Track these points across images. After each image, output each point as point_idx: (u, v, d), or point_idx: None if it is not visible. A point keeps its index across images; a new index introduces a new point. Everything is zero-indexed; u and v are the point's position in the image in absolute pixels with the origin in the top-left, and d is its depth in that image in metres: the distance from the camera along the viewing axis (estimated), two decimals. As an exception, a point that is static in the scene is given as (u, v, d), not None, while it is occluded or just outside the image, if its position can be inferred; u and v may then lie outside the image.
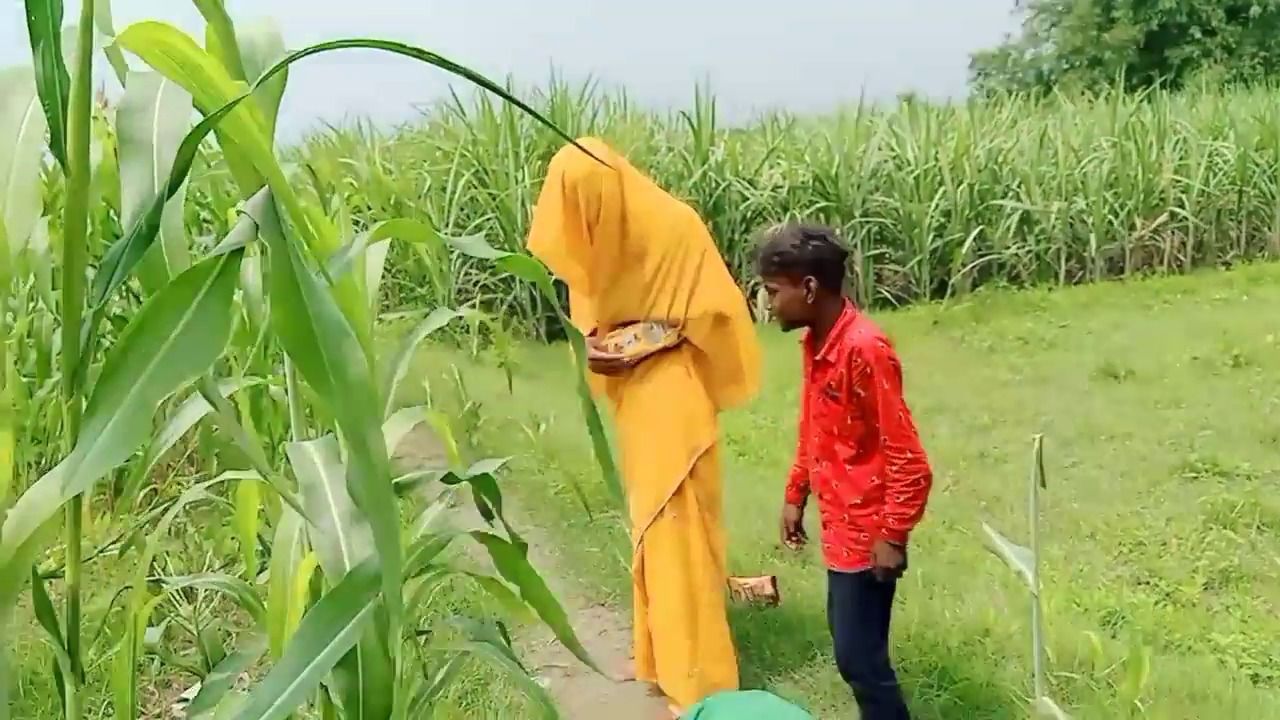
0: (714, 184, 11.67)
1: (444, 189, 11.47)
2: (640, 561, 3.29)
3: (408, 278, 11.37)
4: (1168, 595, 4.08)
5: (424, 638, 2.10)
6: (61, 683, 1.24)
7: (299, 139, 16.02)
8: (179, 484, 4.66)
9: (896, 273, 12.09)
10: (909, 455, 2.53)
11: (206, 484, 2.21)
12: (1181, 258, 12.67)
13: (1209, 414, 6.60)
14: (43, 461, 4.40)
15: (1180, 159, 13.10)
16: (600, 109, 13.00)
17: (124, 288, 4.72)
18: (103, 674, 3.06)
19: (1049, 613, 3.12)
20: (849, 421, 2.61)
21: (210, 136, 1.19)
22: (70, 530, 1.15)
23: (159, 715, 3.28)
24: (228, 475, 2.02)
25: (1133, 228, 12.47)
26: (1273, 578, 4.21)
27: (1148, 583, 4.27)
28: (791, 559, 4.30)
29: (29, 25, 1.04)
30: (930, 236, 11.83)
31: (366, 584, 1.06)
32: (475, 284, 11.02)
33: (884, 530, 2.57)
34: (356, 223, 10.47)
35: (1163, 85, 16.44)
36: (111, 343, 4.22)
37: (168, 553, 3.92)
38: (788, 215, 11.64)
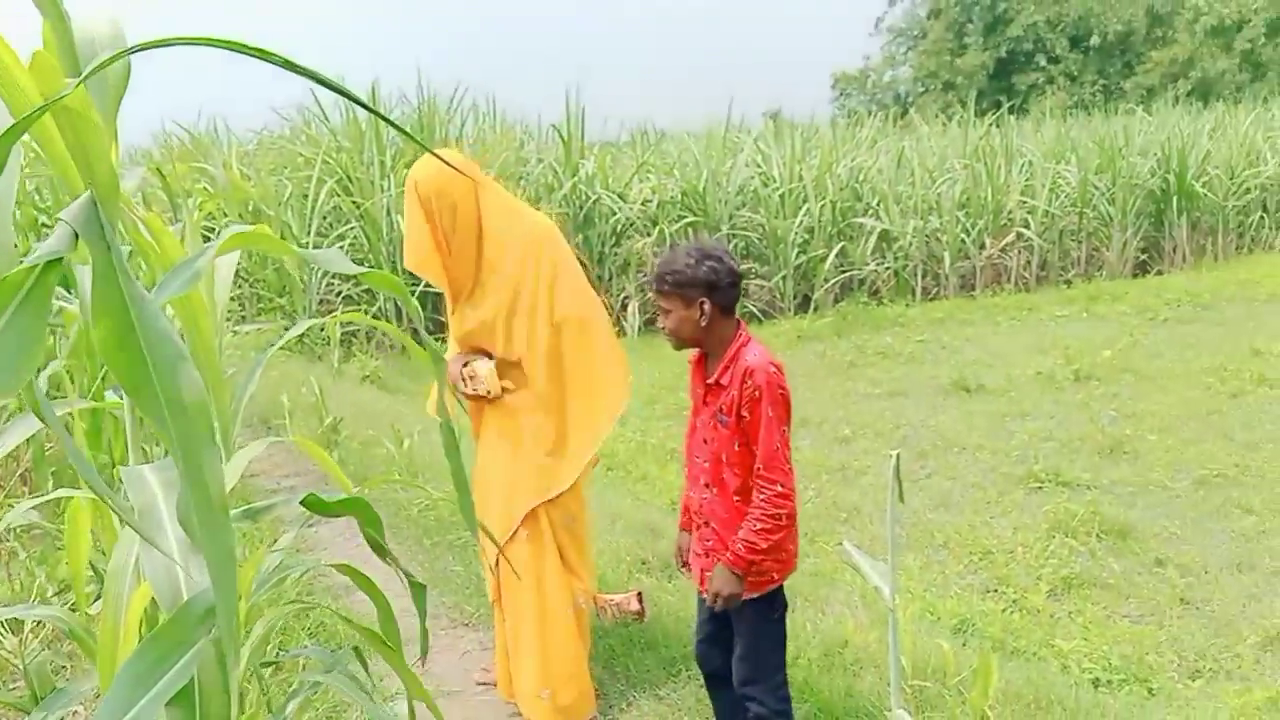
0: (584, 197, 11.68)
1: (306, 196, 11.15)
2: (498, 581, 3.24)
3: (267, 288, 10.99)
4: (1014, 603, 4.26)
5: (269, 669, 2.00)
6: None
7: (149, 140, 15.34)
8: (10, 505, 4.36)
9: (762, 288, 12.33)
10: (779, 488, 2.47)
11: (33, 503, 2.07)
12: (1027, 275, 13.31)
13: (1052, 426, 6.93)
14: None
15: (1026, 181, 13.79)
16: (469, 118, 12.88)
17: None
18: (-83, 714, 2.82)
19: (904, 622, 3.21)
20: (735, 448, 2.53)
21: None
22: None
23: (-18, 756, 3.05)
24: (57, 494, 1.89)
25: (983, 246, 13.05)
26: (1111, 584, 4.44)
27: (996, 591, 4.44)
28: (658, 574, 4.31)
29: None
30: (794, 252, 12.11)
31: (201, 617, 0.99)
32: (338, 294, 10.73)
33: (728, 555, 2.49)
34: (211, 231, 10.07)
35: (1010, 110, 17.29)
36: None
37: (-6, 580, 3.66)
38: (656, 229, 11.74)
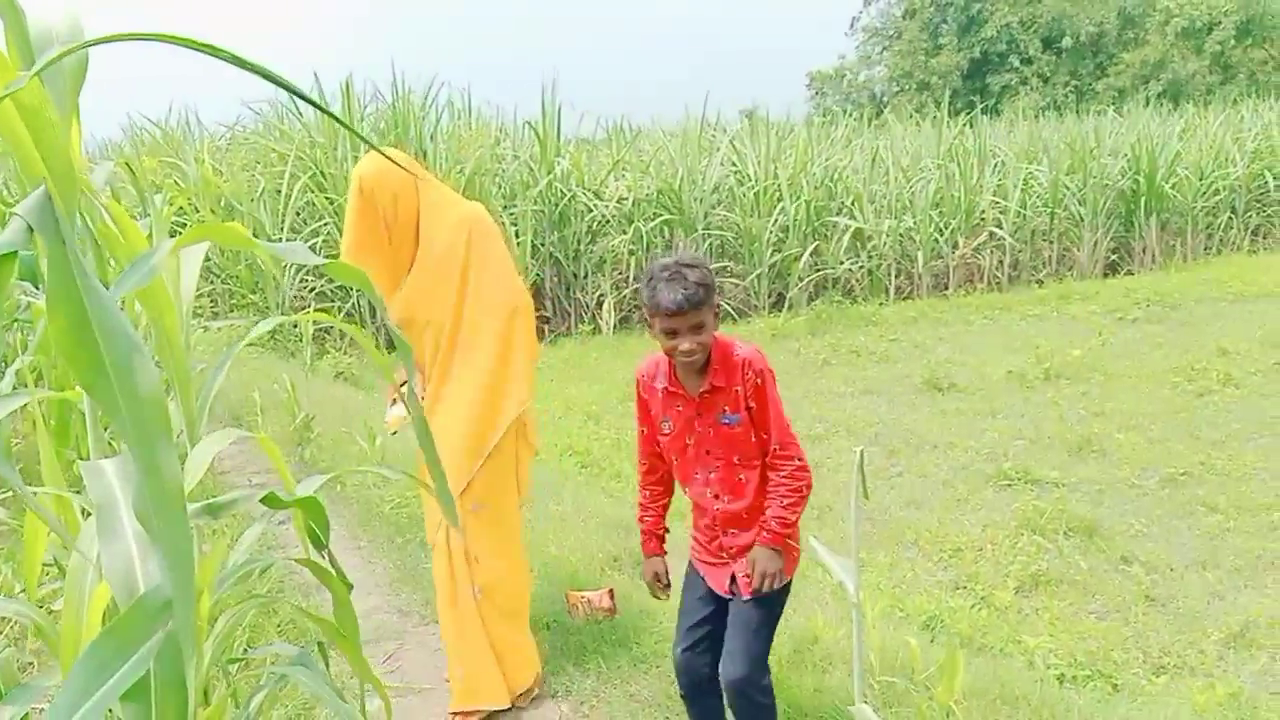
0: (559, 194, 11.67)
1: (279, 192, 11.08)
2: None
3: (240, 284, 10.91)
4: (983, 599, 4.29)
5: (236, 666, 1.99)
6: None
7: (119, 134, 15.20)
8: (-26, 502, 4.31)
9: (737, 286, 12.36)
10: (797, 461, 2.51)
11: (-4, 503, 2.05)
12: (999, 275, 13.42)
13: (1022, 424, 6.99)
14: None
15: (999, 181, 13.89)
16: (445, 114, 12.83)
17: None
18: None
19: (873, 618, 3.23)
20: (751, 441, 2.52)
21: None
22: None
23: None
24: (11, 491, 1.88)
25: (956, 246, 13.14)
26: (1078, 581, 4.48)
27: (965, 587, 4.47)
28: (630, 571, 4.31)
29: None
30: (769, 251, 12.15)
31: (156, 611, 0.99)
32: (311, 290, 10.67)
33: (765, 534, 2.50)
34: (183, 226, 9.98)
35: (984, 110, 17.42)
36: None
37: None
38: (632, 227, 11.75)
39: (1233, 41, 32.36)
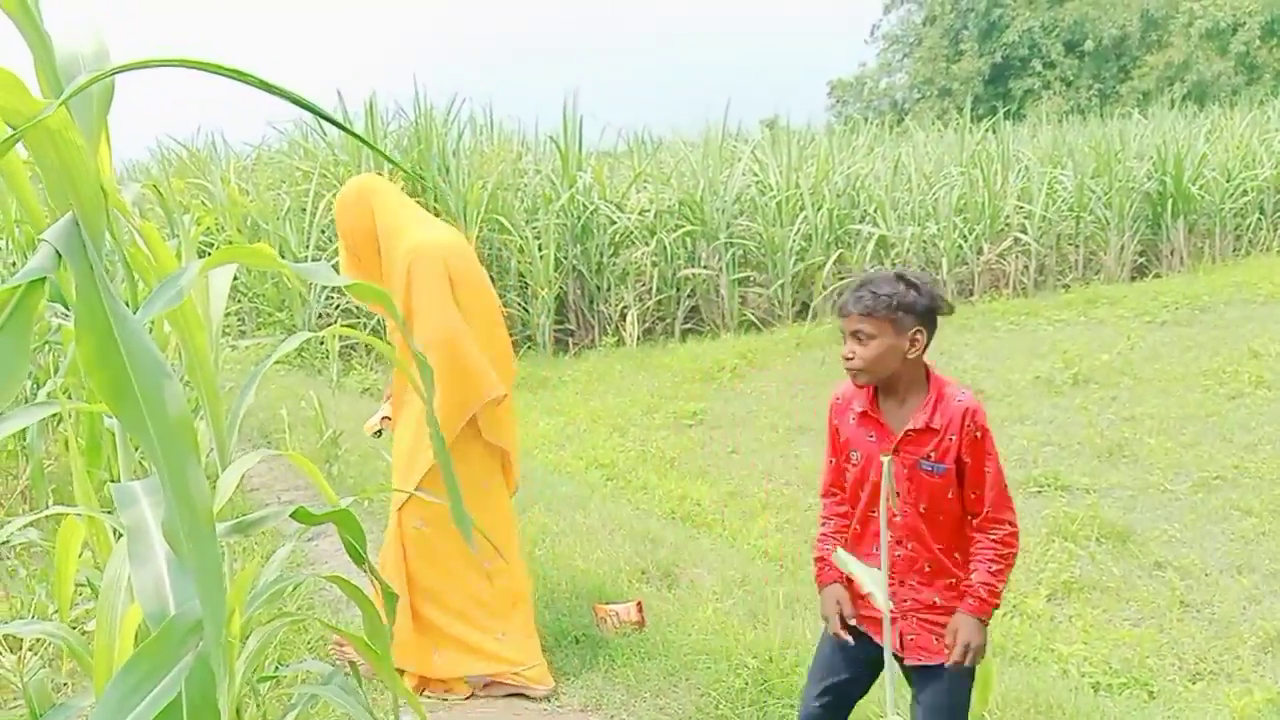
0: (582, 207, 11.70)
1: (304, 210, 11.17)
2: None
3: (266, 302, 11.00)
4: (1015, 607, 4.25)
5: (267, 684, 2.00)
6: None
7: (147, 156, 15.39)
8: (8, 522, 4.36)
9: (760, 295, 12.34)
10: (1009, 526, 2.33)
11: (28, 520, 2.08)
12: (1025, 281, 13.32)
13: (1051, 430, 6.93)
14: None
15: (1023, 186, 13.80)
16: (467, 129, 12.90)
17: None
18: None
19: (904, 628, 3.20)
20: (949, 496, 2.32)
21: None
22: None
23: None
24: (53, 510, 1.90)
25: (980, 252, 13.06)
26: (1111, 587, 4.44)
27: (997, 595, 4.43)
28: (657, 583, 4.30)
29: None
30: (792, 260, 12.13)
31: (187, 633, 1.00)
32: (337, 308, 10.75)
33: (971, 601, 2.27)
34: (210, 246, 10.09)
35: (1007, 115, 17.32)
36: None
37: (-6, 598, 3.66)
38: (654, 239, 11.76)
39: (1258, 42, 32.02)
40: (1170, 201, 14.21)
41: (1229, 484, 5.67)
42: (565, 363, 10.55)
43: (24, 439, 4.38)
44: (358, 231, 3.48)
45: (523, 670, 3.50)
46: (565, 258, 11.49)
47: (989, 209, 13.21)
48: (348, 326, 10.48)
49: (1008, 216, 13.36)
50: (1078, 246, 13.88)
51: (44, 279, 0.85)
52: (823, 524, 2.56)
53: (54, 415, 4.33)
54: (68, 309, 4.33)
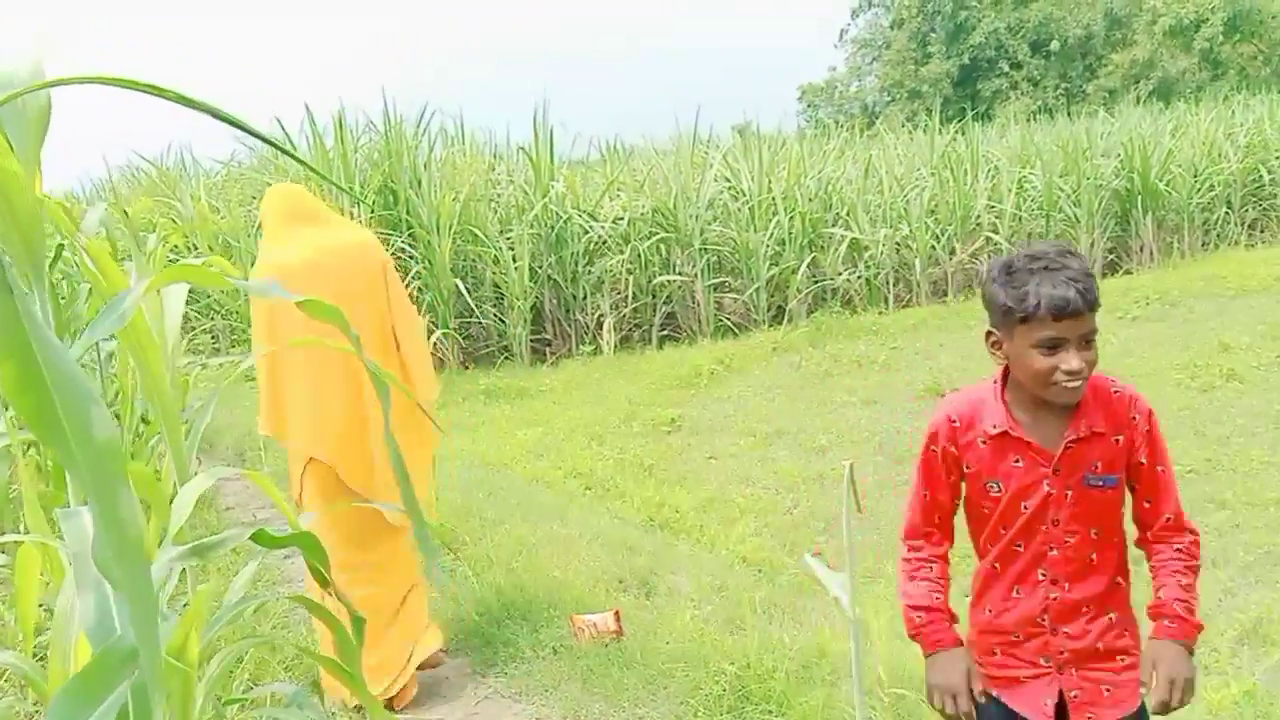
0: (555, 217, 11.68)
1: (275, 226, 11.10)
2: None
3: (241, 319, 10.93)
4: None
5: (234, 707, 1.97)
6: None
7: (115, 175, 15.29)
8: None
9: (735, 301, 12.36)
10: (1192, 535, 1.95)
11: (-10, 550, 2.04)
12: (999, 280, 13.38)
13: (1027, 428, 6.96)
14: None
15: (992, 186, 13.89)
16: (438, 141, 12.87)
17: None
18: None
19: (880, 630, 3.20)
20: (1120, 511, 1.93)
21: None
22: None
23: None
24: (6, 538, 1.87)
25: (953, 252, 13.13)
26: (1087, 582, 4.45)
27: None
28: (635, 592, 4.28)
29: None
30: (766, 265, 12.15)
31: (123, 660, 0.97)
32: (310, 323, 10.67)
33: (1169, 624, 1.85)
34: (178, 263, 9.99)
35: (976, 117, 17.46)
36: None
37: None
38: (629, 247, 11.76)
39: (1221, 38, 32.41)
40: (1138, 198, 14.33)
41: (1202, 477, 5.72)
42: (542, 373, 10.53)
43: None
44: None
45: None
46: (540, 267, 11.47)
47: (960, 209, 13.28)
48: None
49: (978, 216, 13.44)
50: (1049, 245, 13.96)
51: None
52: (914, 570, 2.07)
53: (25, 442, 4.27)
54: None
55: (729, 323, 12.05)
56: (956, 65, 35.99)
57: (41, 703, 3.32)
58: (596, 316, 11.63)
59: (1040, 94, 34.09)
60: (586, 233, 11.81)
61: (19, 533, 4.15)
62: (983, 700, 1.93)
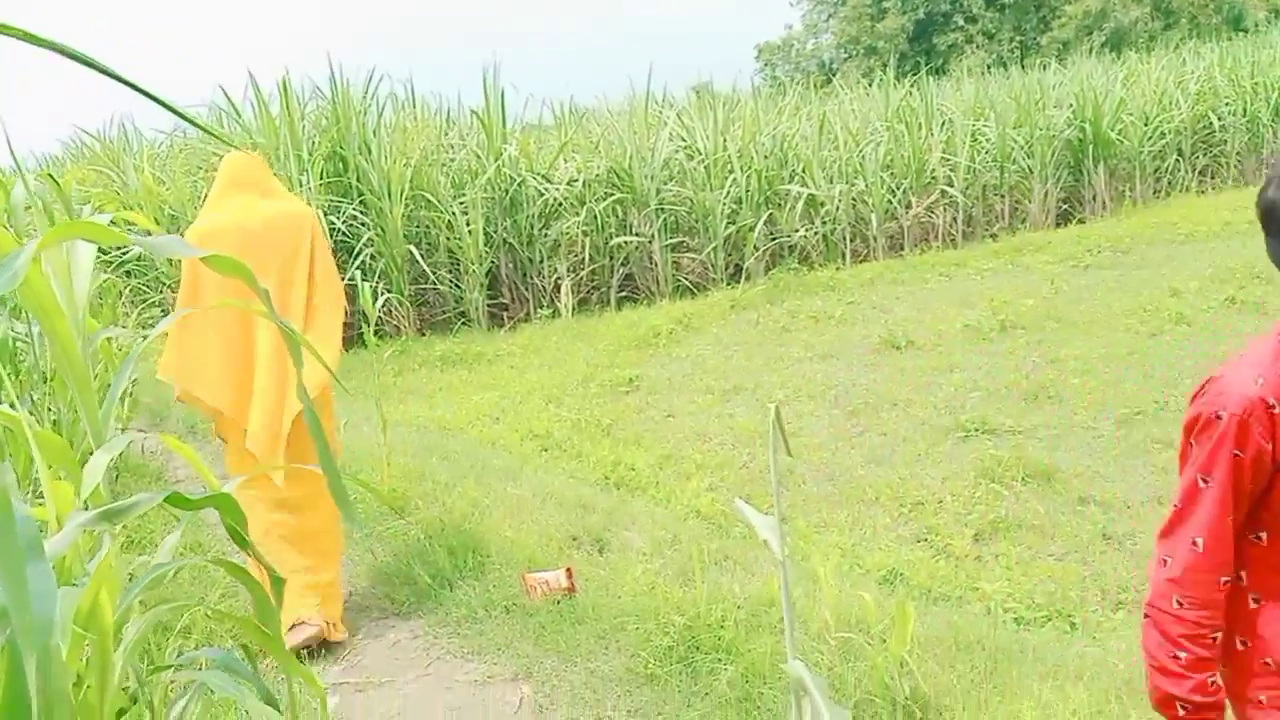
0: (509, 180, 11.56)
1: (222, 196, 10.89)
2: None
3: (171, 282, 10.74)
4: (942, 550, 4.31)
5: (166, 673, 1.94)
6: None
7: (59, 149, 14.96)
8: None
9: (694, 260, 12.32)
10: None
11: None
12: (954, 233, 13.47)
13: (979, 376, 7.02)
14: None
15: (946, 139, 13.92)
16: (388, 106, 12.66)
17: None
18: None
19: (828, 575, 3.22)
20: None
21: None
22: None
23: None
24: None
25: (909, 206, 13.16)
26: (1036, 525, 4.51)
27: (924, 540, 4.49)
28: (588, 549, 4.29)
29: None
30: (723, 223, 12.11)
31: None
32: (263, 294, 10.51)
33: None
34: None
35: (931, 71, 17.42)
36: None
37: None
38: (584, 209, 11.67)
39: (1172, -14, 32.56)
40: (1090, 148, 14.44)
41: (1150, 419, 5.79)
42: (500, 337, 10.46)
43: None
44: None
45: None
46: (495, 232, 11.36)
47: (915, 163, 13.31)
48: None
49: (933, 170, 13.47)
50: (1003, 196, 14.05)
51: None
52: (1199, 620, 1.54)
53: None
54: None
55: (687, 283, 12.03)
56: (912, 20, 35.95)
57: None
58: (554, 280, 11.55)
59: (995, 47, 34.16)
60: (541, 195, 11.70)
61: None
62: None
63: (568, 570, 3.88)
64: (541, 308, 11.36)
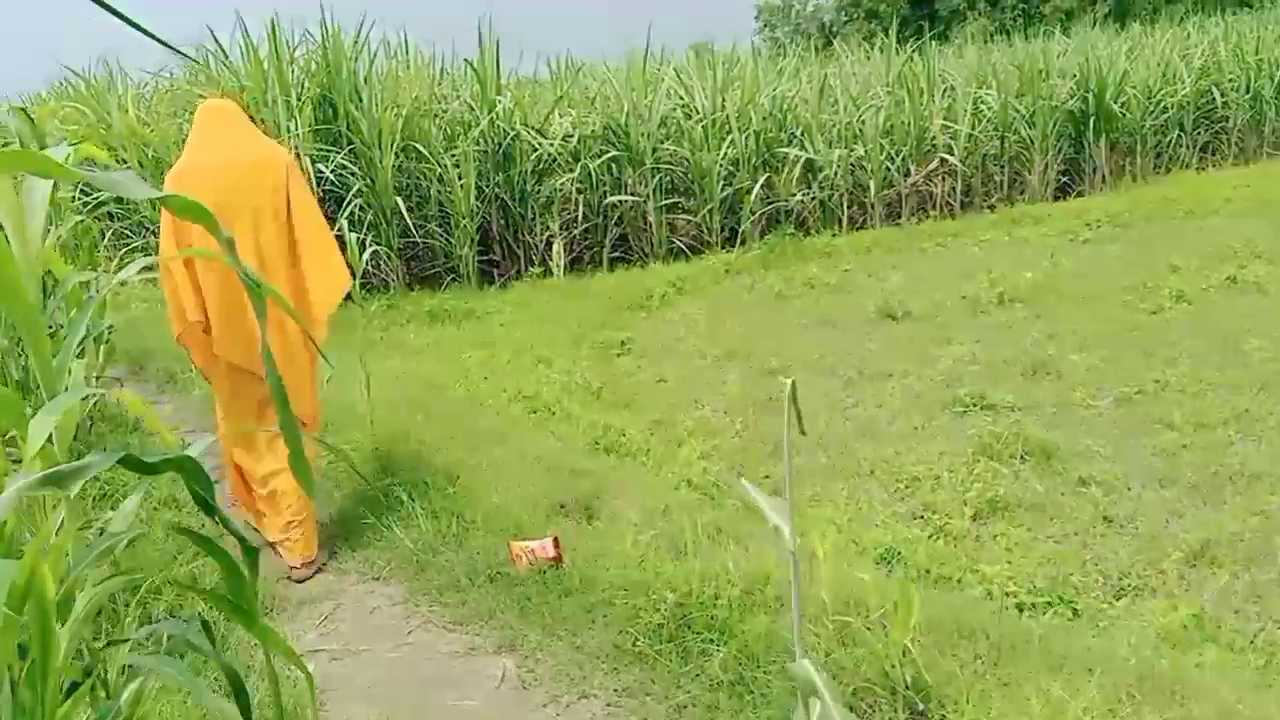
0: (502, 133, 11.30)
1: (208, 140, 10.61)
2: None
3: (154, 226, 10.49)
4: (940, 529, 4.20)
5: (120, 647, 1.80)
6: None
7: (44, 89, 14.61)
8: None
9: (689, 222, 12.12)
10: None
11: None
12: (952, 202, 13.29)
13: (977, 350, 6.90)
14: None
15: (948, 107, 13.69)
16: (380, 53, 12.33)
17: None
18: None
19: (826, 553, 3.09)
20: None
21: None
22: None
23: None
24: None
25: (908, 174, 12.97)
26: (1035, 505, 4.40)
27: (922, 517, 4.38)
28: (576, 517, 4.15)
29: None
30: (720, 185, 11.90)
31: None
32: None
33: None
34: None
35: (934, 37, 17.13)
36: None
37: None
38: (579, 165, 11.44)
39: (1179, -42, 32.14)
40: (1092, 120, 14.23)
41: (1150, 398, 5.69)
42: (490, 295, 10.27)
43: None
44: None
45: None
46: (487, 186, 11.12)
47: (915, 130, 13.09)
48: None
49: (934, 138, 13.26)
50: (1003, 167, 13.86)
51: None
52: None
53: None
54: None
55: (681, 244, 11.84)
56: (914, -16, 35.45)
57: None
58: (546, 237, 11.34)
59: (998, 14, 33.74)
60: (535, 150, 11.44)
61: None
62: None
63: (555, 539, 3.74)
64: (533, 265, 11.15)
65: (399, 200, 10.31)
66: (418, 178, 10.90)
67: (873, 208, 12.70)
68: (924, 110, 13.32)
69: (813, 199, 12.48)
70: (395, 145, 10.40)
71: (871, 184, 12.63)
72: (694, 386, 6.71)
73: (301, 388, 3.88)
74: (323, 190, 10.02)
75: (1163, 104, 14.97)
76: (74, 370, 1.98)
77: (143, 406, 1.63)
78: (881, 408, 5.99)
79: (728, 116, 12.22)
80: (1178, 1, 30.77)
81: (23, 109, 4.39)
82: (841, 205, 12.55)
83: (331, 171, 10.08)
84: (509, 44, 12.43)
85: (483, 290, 10.55)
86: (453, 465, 4.67)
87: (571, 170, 11.44)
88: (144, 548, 3.65)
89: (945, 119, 13.47)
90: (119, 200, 10.45)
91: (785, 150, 12.45)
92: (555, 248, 11.15)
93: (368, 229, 10.08)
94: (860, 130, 12.88)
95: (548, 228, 11.35)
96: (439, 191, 10.81)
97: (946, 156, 13.13)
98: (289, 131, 10.05)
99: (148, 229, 10.55)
